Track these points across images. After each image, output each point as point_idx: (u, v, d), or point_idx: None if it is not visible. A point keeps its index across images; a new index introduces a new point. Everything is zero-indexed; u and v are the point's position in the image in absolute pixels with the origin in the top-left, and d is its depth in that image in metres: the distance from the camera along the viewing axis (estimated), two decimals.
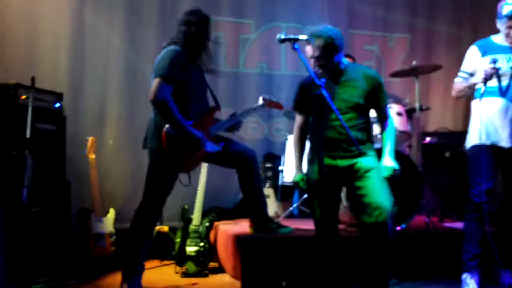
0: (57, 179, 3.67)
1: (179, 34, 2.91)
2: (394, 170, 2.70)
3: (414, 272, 3.36)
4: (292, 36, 2.47)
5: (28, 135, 2.92)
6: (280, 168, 4.26)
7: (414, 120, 4.30)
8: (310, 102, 2.66)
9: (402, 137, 3.78)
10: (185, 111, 2.85)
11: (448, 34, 5.41)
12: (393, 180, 2.71)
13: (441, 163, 4.59)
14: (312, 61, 2.75)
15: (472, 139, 3.04)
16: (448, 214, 4.17)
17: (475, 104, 3.05)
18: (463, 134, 3.26)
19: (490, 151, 2.97)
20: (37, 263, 3.19)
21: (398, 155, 3.59)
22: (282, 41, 2.50)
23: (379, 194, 2.59)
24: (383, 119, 2.84)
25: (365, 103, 2.71)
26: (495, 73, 2.86)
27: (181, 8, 4.58)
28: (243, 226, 3.76)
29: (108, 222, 3.81)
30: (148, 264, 3.45)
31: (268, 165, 4.61)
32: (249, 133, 4.86)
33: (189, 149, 2.89)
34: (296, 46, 2.46)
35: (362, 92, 2.70)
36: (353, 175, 2.69)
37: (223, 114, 3.55)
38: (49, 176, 3.55)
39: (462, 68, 3.13)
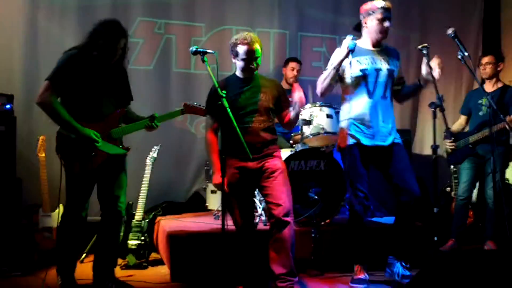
0: (7, 177, 3.89)
1: (85, 40, 3.00)
2: None
3: (336, 264, 3.57)
4: (201, 50, 2.75)
5: None
6: None
7: None
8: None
9: (330, 138, 3.99)
10: (78, 112, 2.94)
11: (396, 35, 5.54)
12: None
13: None
14: None
15: (344, 139, 3.14)
16: (379, 209, 4.44)
17: (345, 105, 3.21)
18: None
19: (364, 150, 3.12)
20: None
21: (323, 155, 3.85)
22: (194, 53, 2.77)
23: (281, 194, 2.87)
24: None
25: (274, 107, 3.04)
26: (353, 48, 3.00)
27: (132, 12, 4.84)
28: (181, 222, 4.02)
29: (57, 217, 4.03)
30: (91, 257, 3.66)
31: None
32: (202, 132, 5.08)
33: (82, 148, 2.94)
34: (205, 59, 2.74)
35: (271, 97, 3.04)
36: (261, 176, 2.96)
37: None
38: None
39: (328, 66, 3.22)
